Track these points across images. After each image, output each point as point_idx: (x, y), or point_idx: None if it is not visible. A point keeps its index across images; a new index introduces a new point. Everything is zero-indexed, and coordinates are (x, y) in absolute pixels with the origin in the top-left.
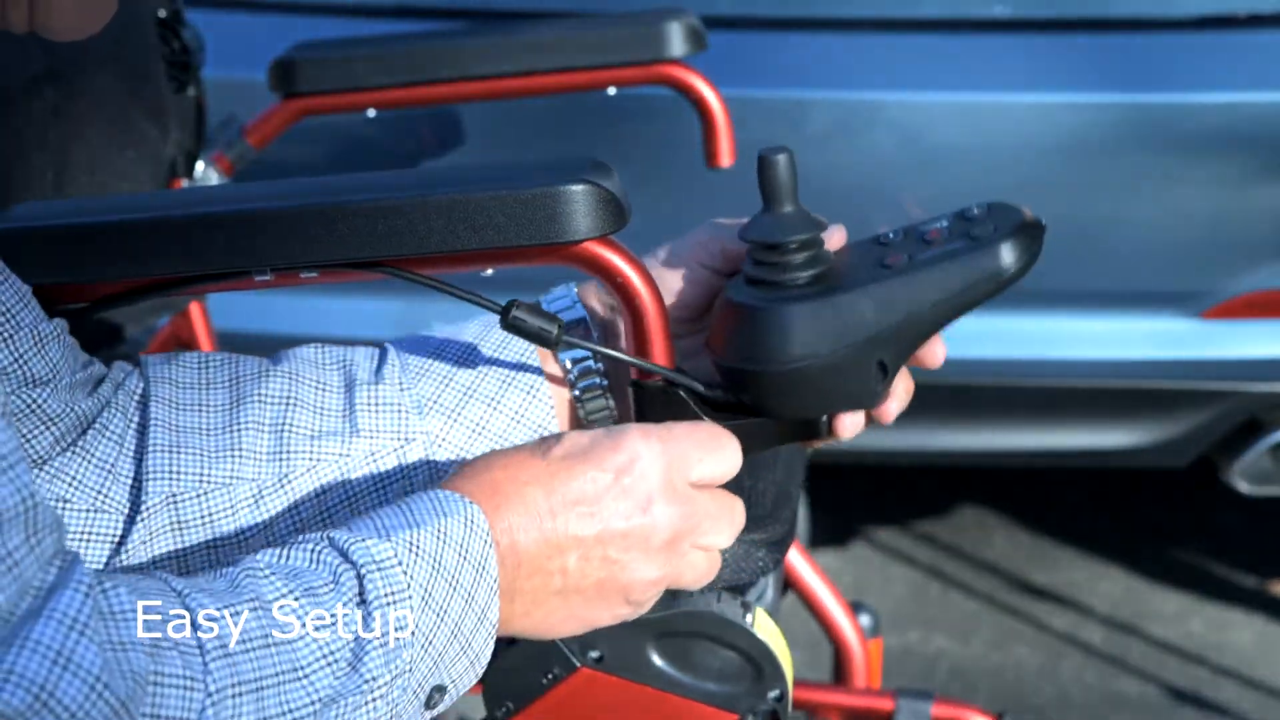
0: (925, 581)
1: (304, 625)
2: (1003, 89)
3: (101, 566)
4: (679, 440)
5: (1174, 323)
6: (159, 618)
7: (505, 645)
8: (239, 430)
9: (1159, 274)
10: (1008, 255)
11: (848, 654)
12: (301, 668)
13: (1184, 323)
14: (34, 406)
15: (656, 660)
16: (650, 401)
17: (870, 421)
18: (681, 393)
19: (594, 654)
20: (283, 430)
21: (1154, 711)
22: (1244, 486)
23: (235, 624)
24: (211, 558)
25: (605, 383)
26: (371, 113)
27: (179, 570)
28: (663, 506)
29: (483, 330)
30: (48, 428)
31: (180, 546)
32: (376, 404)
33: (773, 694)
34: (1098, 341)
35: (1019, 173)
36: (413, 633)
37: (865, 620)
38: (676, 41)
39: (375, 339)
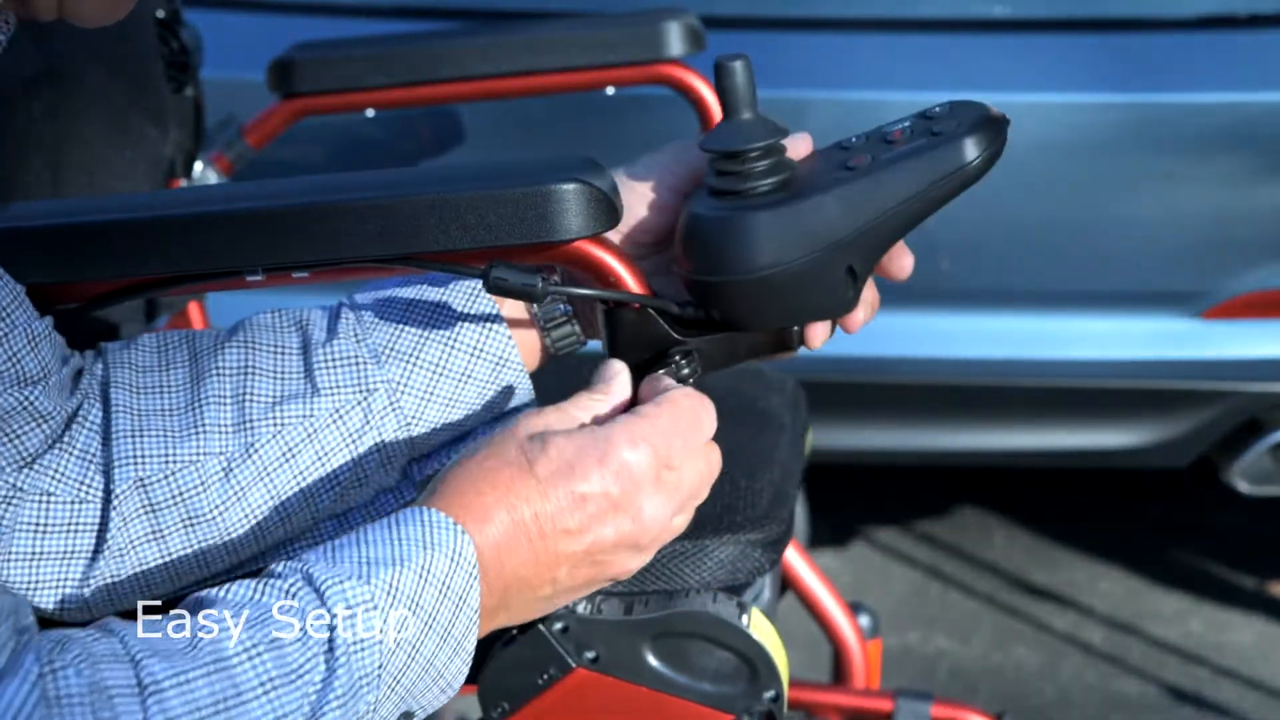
0: (925, 581)
1: (261, 685)
2: (1003, 89)
3: (89, 556)
4: (663, 433)
5: (1174, 323)
6: (107, 694)
7: (501, 645)
8: (201, 406)
9: (1159, 274)
10: (971, 149)
11: (847, 654)
12: None
13: (1184, 323)
14: (26, 405)
15: (652, 660)
16: (622, 325)
17: (834, 330)
18: (654, 313)
19: (589, 654)
20: (243, 400)
21: (1154, 711)
22: (1244, 486)
23: (184, 693)
24: (190, 535)
25: (570, 309)
26: (370, 113)
27: (160, 549)
28: (653, 507)
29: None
30: (38, 425)
31: (156, 527)
32: (334, 360)
33: (768, 694)
34: (1098, 341)
35: (1019, 173)
36: (380, 675)
37: (864, 621)
38: (675, 41)
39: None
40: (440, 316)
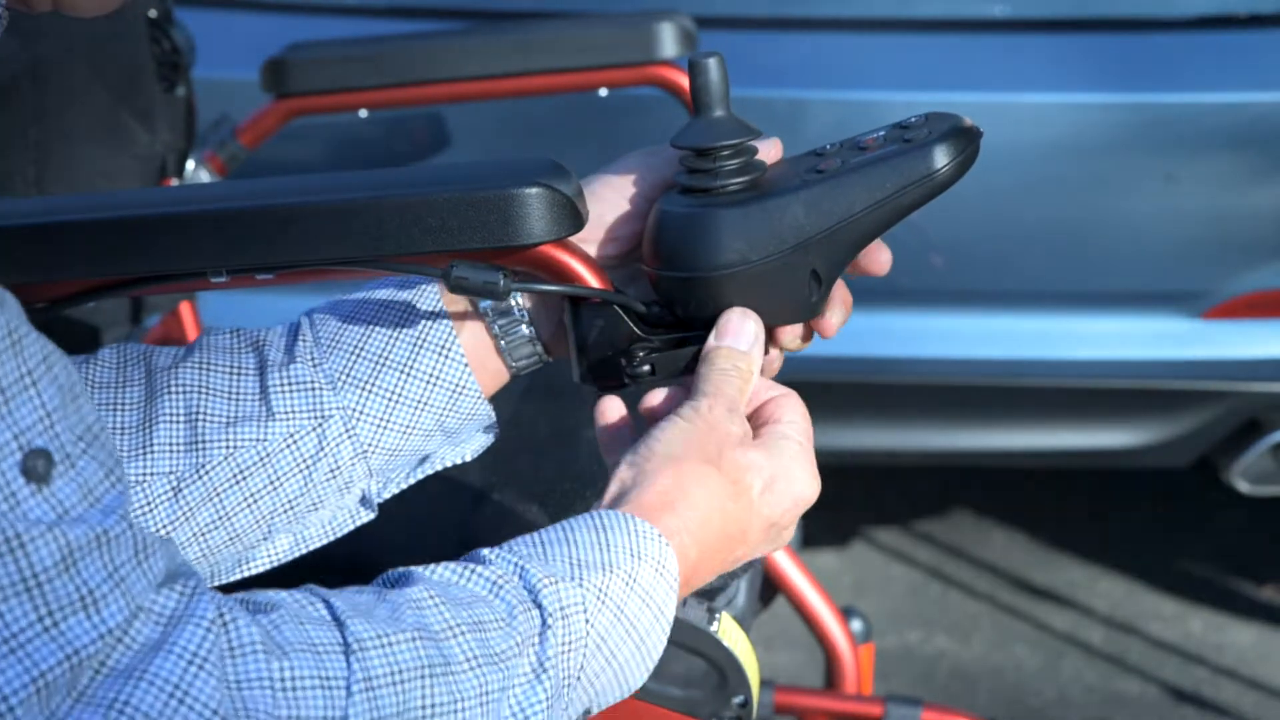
0: (925, 581)
1: (468, 660)
2: (1003, 89)
3: None
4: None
5: (1174, 323)
6: (311, 652)
7: None
8: (153, 426)
9: (1159, 274)
10: (940, 156)
11: (837, 659)
12: (460, 699)
13: (1184, 323)
14: None
15: None
16: (587, 324)
17: (810, 335)
18: (620, 311)
19: None
20: (196, 420)
21: (1154, 711)
22: (1244, 486)
23: (387, 655)
24: None
25: (533, 331)
26: (364, 113)
27: None
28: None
29: (395, 290)
30: None
31: None
32: (290, 384)
33: (736, 700)
34: (1098, 341)
35: (1019, 173)
36: (580, 677)
37: (857, 625)
38: (668, 42)
39: None
40: (398, 341)
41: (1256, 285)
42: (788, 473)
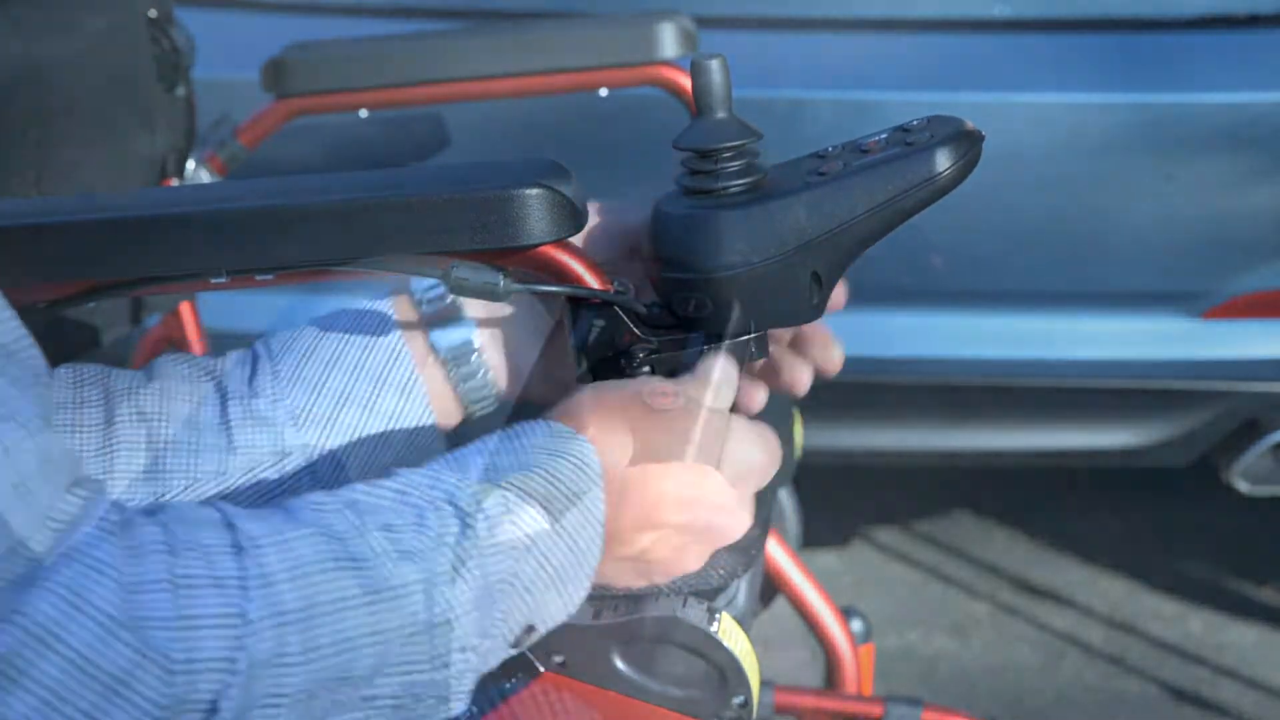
0: (925, 581)
1: (377, 555)
2: (1003, 89)
3: None
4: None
5: (1174, 323)
6: (200, 552)
7: None
8: (112, 451)
9: (1159, 274)
10: (942, 160)
11: (838, 659)
12: (376, 590)
13: (1184, 323)
14: None
15: (620, 665)
16: (587, 323)
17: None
18: (619, 311)
19: (557, 659)
20: (158, 449)
21: (1154, 711)
22: (1244, 486)
23: (283, 552)
24: None
25: (488, 372)
26: (364, 113)
27: None
28: (744, 514)
29: (355, 321)
30: None
31: None
32: (251, 419)
33: (737, 700)
34: (1098, 341)
35: (1019, 173)
36: (513, 583)
37: (857, 626)
38: (668, 42)
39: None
40: (359, 376)
41: (1256, 285)
42: (732, 432)
